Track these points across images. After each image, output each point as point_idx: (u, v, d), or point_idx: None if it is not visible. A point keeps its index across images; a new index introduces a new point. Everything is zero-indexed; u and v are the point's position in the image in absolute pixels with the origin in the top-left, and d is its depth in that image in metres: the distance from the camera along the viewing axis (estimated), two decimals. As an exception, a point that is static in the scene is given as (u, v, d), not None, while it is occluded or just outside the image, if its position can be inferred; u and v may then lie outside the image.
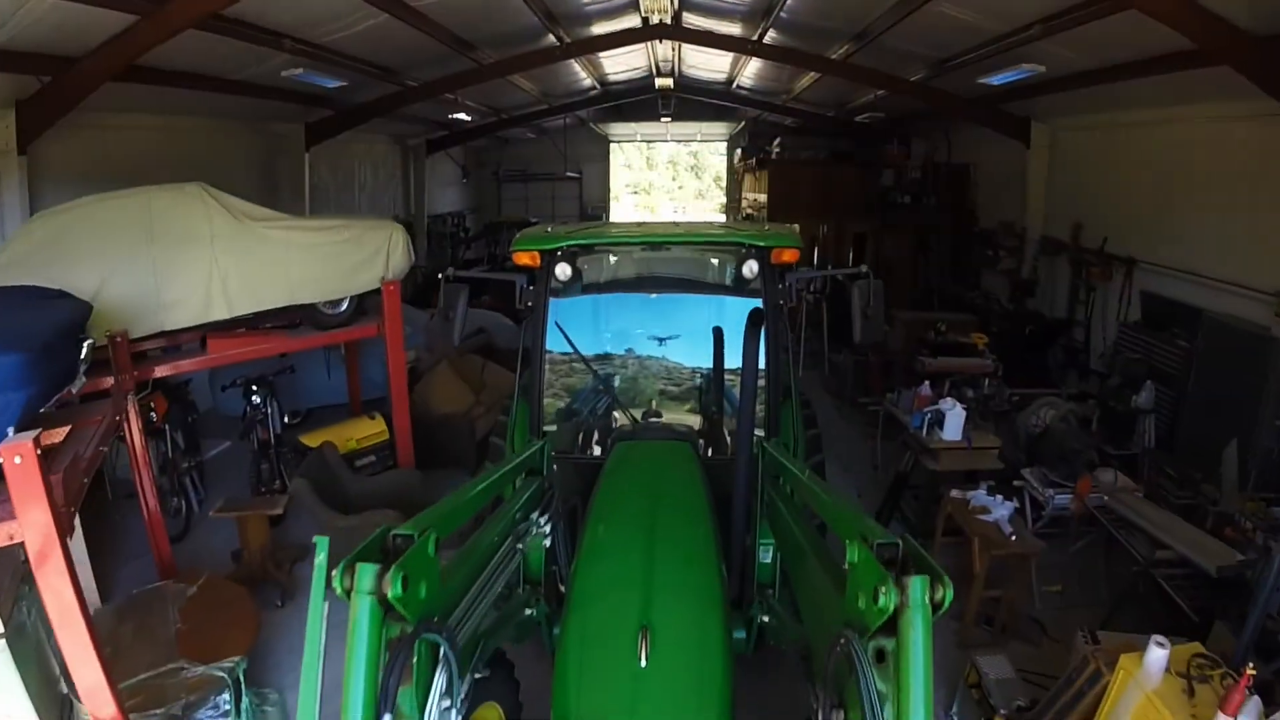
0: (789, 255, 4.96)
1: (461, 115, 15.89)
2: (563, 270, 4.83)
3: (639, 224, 6.72)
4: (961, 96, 11.12)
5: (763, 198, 17.50)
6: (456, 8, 8.97)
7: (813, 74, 12.96)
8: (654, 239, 5.22)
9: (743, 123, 20.95)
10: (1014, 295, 12.32)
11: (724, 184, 26.79)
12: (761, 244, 4.91)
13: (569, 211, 24.78)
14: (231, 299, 5.87)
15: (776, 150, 17.30)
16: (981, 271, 14.34)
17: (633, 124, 22.58)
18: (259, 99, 10.31)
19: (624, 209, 28.81)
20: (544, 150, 23.75)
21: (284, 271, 5.92)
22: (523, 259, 4.95)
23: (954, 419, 5.54)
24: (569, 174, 23.71)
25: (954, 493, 5.19)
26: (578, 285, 5.04)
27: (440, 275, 4.99)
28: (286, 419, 8.86)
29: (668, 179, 39.48)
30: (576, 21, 11.35)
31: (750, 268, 4.87)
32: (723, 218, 24.89)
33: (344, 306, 6.25)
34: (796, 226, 5.86)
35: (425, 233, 19.06)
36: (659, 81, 16.84)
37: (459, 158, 21.66)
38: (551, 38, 11.23)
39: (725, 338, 4.85)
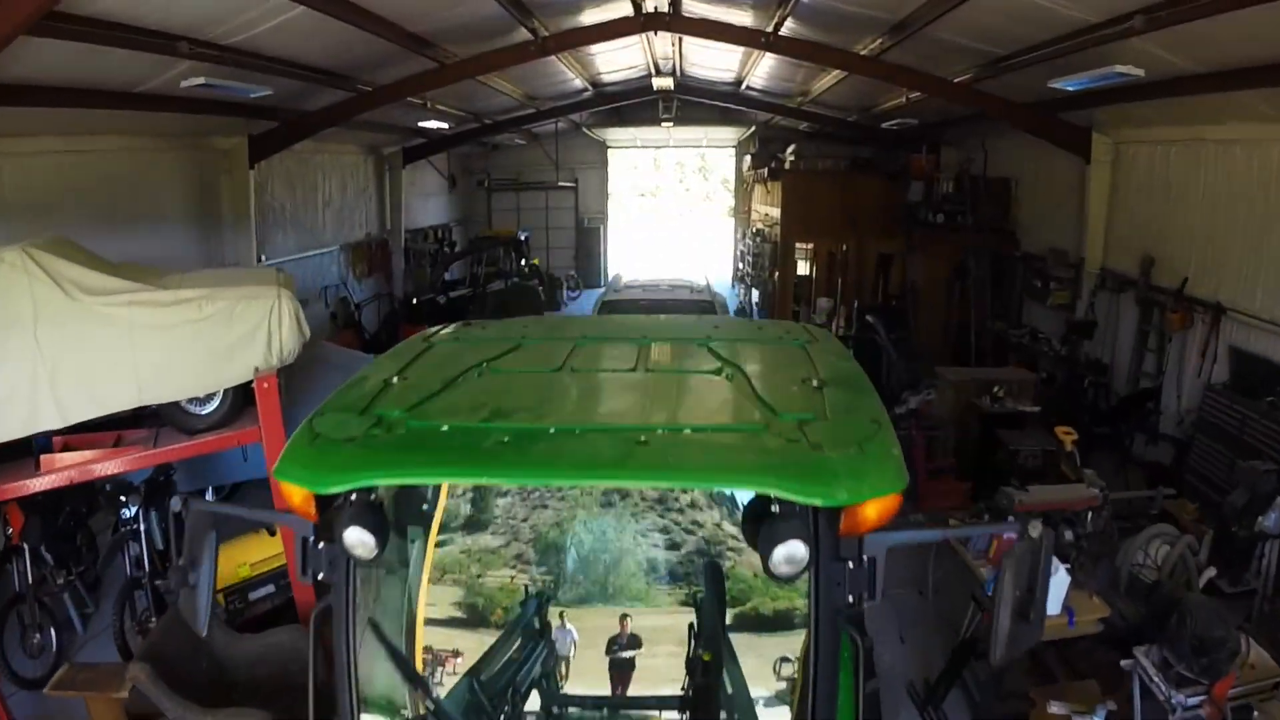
0: (878, 513, 2.29)
1: (435, 123, 14.42)
2: (358, 542, 2.30)
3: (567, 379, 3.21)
4: (1015, 101, 9.58)
5: (775, 212, 15.98)
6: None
7: (837, 73, 11.40)
8: (569, 476, 2.53)
9: (752, 127, 19.43)
10: (1068, 337, 10.76)
11: (731, 186, 25.29)
12: (818, 498, 2.15)
13: (564, 223, 23.34)
14: (63, 403, 4.42)
15: (790, 159, 15.77)
16: (1025, 302, 12.78)
17: (631, 128, 21.17)
18: (187, 113, 8.93)
19: (629, 215, 27.35)
20: (536, 157, 22.36)
21: (130, 362, 4.45)
22: (293, 498, 2.48)
23: (1055, 587, 3.96)
24: (562, 184, 22.23)
25: (1053, 709, 3.60)
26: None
27: (176, 502, 2.58)
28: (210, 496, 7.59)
29: (675, 180, 38.00)
30: (554, 11, 9.84)
31: (790, 557, 2.16)
32: (724, 234, 23.43)
33: (214, 405, 4.78)
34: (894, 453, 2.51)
35: (403, 250, 17.62)
36: (657, 82, 15.32)
37: (443, 167, 20.22)
38: (524, 31, 9.73)
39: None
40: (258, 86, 8.00)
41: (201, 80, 6.91)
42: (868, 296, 15.29)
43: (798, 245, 15.31)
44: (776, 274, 15.71)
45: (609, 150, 22.83)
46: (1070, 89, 7.58)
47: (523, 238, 19.72)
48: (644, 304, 9.43)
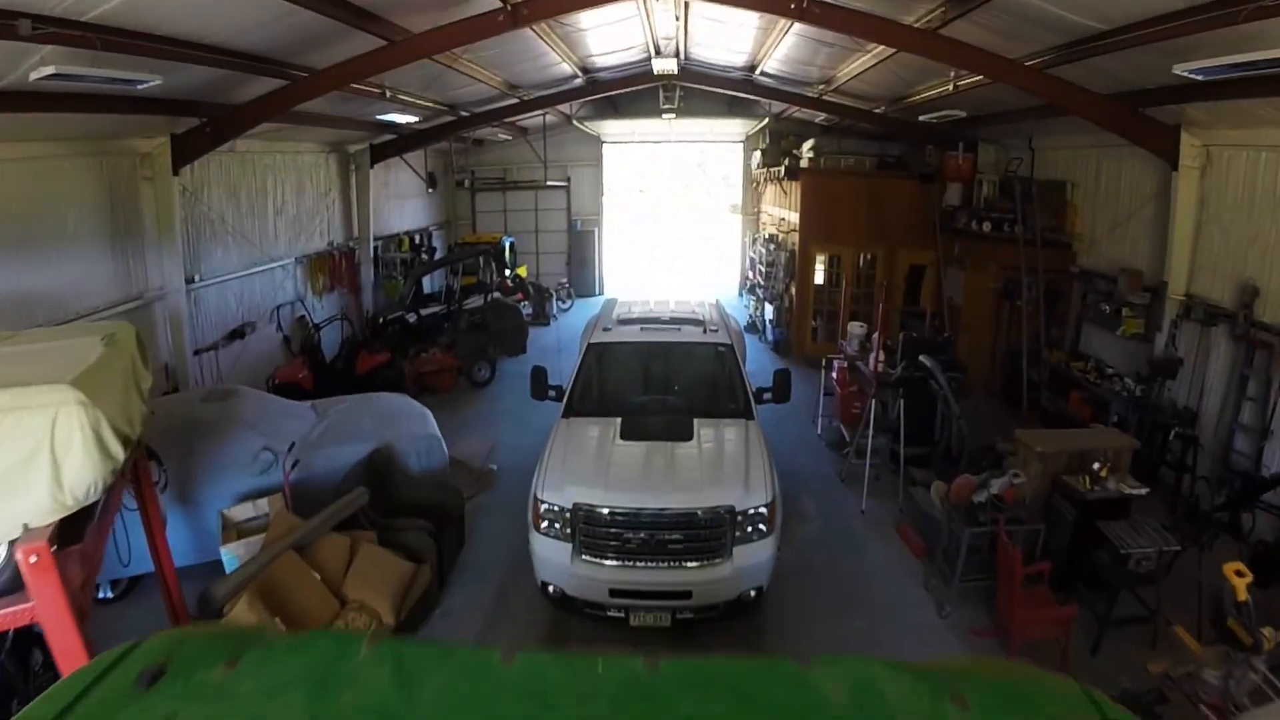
0: None
1: (401, 116, 12.87)
2: None
3: None
4: (1095, 92, 8.04)
5: (792, 216, 14.46)
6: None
7: (870, 55, 9.82)
8: None
9: (764, 120, 17.80)
10: (1146, 376, 9.26)
11: (732, 183, 23.73)
12: None
13: (555, 226, 21.82)
14: None
15: (809, 156, 14.22)
16: (1084, 328, 11.27)
17: (629, 121, 19.54)
18: (87, 112, 7.50)
19: (625, 214, 25.80)
20: (525, 154, 20.89)
21: None
22: None
23: None
24: (551, 183, 20.68)
25: None
26: None
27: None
28: (107, 594, 6.50)
29: (672, 177, 36.42)
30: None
31: None
32: (727, 234, 21.84)
33: (-16, 568, 3.26)
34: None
35: (372, 260, 16.13)
36: (658, 65, 13.64)
37: (420, 165, 18.69)
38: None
39: None
40: (145, 76, 6.47)
41: (51, 70, 5.37)
42: (897, 316, 13.83)
43: (818, 254, 13.81)
44: (793, 286, 14.20)
45: (604, 146, 21.27)
46: (1200, 78, 6.04)
47: (507, 244, 18.23)
48: (644, 349, 7.98)
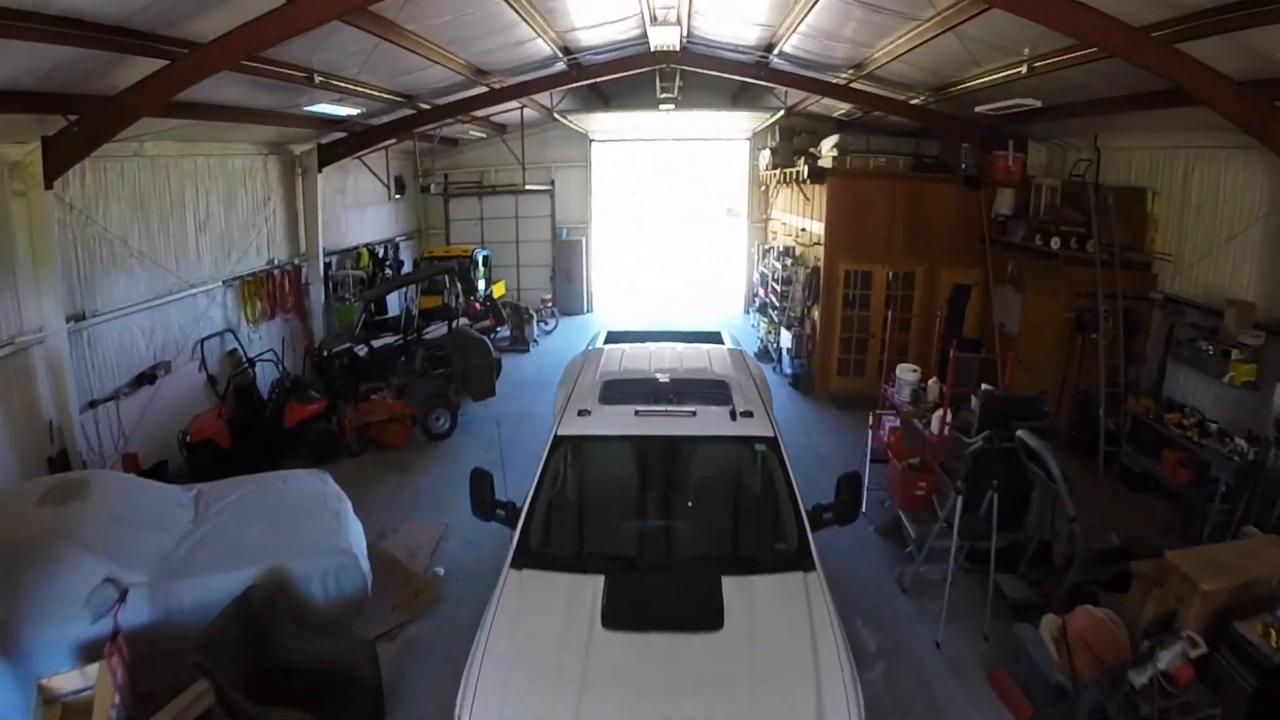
0: None
1: (335, 107, 11.10)
2: None
3: None
4: (1224, 75, 6.34)
5: (814, 226, 12.73)
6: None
7: (932, 22, 8.05)
8: None
9: (779, 112, 15.85)
10: (1271, 440, 7.57)
11: (731, 185, 22.04)
12: None
13: (537, 235, 20.09)
14: None
15: (832, 154, 12.49)
16: (1170, 370, 9.58)
17: (620, 115, 17.67)
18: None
19: (616, 217, 24.11)
20: (503, 154, 19.21)
21: None
22: None
23: None
24: (532, 187, 18.96)
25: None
26: None
27: None
28: None
29: (666, 178, 34.84)
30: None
31: None
32: (725, 238, 20.15)
33: None
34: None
35: (322, 279, 14.39)
36: (656, 37, 11.61)
37: (383, 168, 16.93)
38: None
39: None
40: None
41: None
42: (937, 345, 12.15)
43: (846, 270, 12.11)
44: (815, 310, 12.50)
45: (592, 145, 19.57)
46: None
47: (479, 257, 16.50)
48: (641, 447, 5.55)
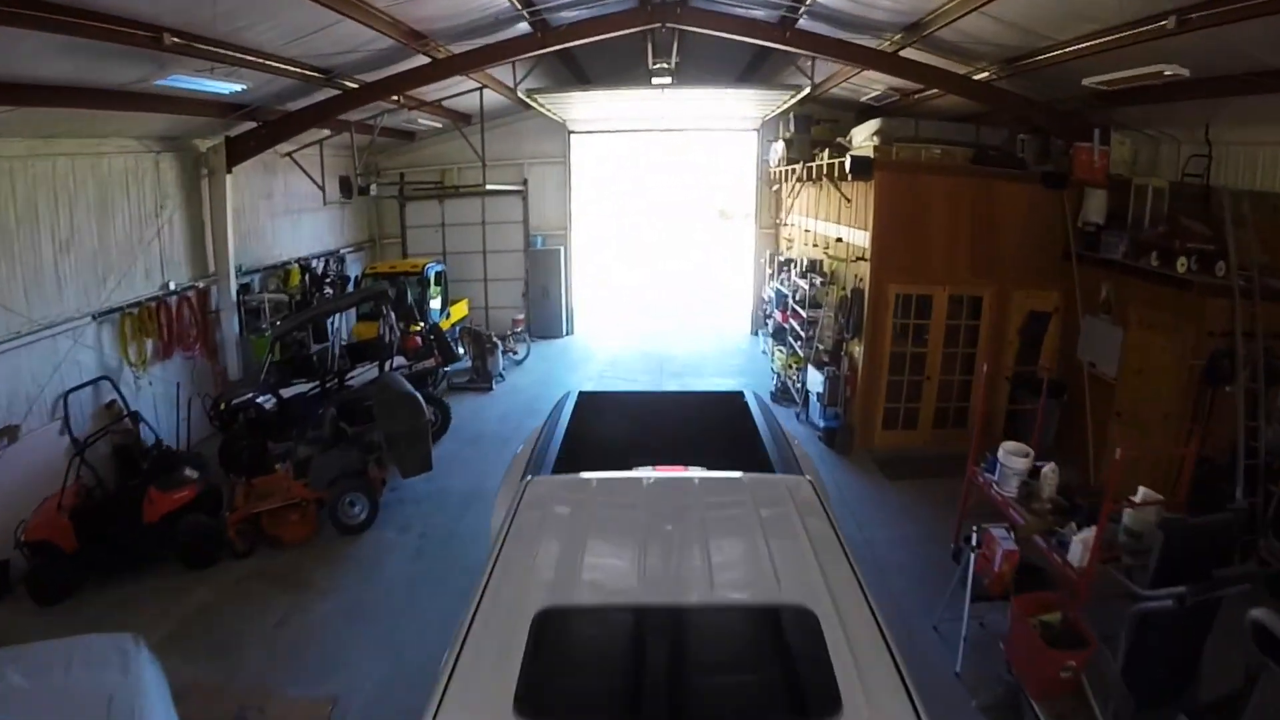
0: None
1: (209, 81, 8.57)
2: None
3: None
4: None
5: (855, 235, 10.38)
6: None
7: None
8: None
9: (801, 91, 12.37)
10: None
11: (724, 182, 19.71)
12: None
13: (507, 244, 17.70)
14: None
15: (872, 142, 10.14)
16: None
17: (602, 95, 14.46)
18: None
19: (597, 224, 21.83)
20: (469, 149, 16.81)
21: None
22: None
23: None
24: (499, 186, 16.59)
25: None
26: None
27: None
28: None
29: (651, 174, 32.67)
30: None
31: None
32: (720, 241, 17.80)
33: None
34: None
35: (235, 305, 11.97)
36: None
37: (320, 166, 14.45)
38: None
39: None
40: None
41: None
42: (1005, 386, 9.95)
43: (897, 294, 9.82)
44: (856, 345, 10.20)
45: (572, 137, 17.21)
46: None
47: (432, 273, 14.13)
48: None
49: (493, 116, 16.36)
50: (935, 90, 11.20)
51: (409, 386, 8.51)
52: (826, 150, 11.94)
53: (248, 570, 7.69)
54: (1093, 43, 7.15)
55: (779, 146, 14.71)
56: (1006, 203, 9.77)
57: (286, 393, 10.20)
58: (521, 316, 17.05)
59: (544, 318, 17.39)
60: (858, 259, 9.98)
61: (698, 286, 26.17)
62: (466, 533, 8.17)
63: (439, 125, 14.61)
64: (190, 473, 8.13)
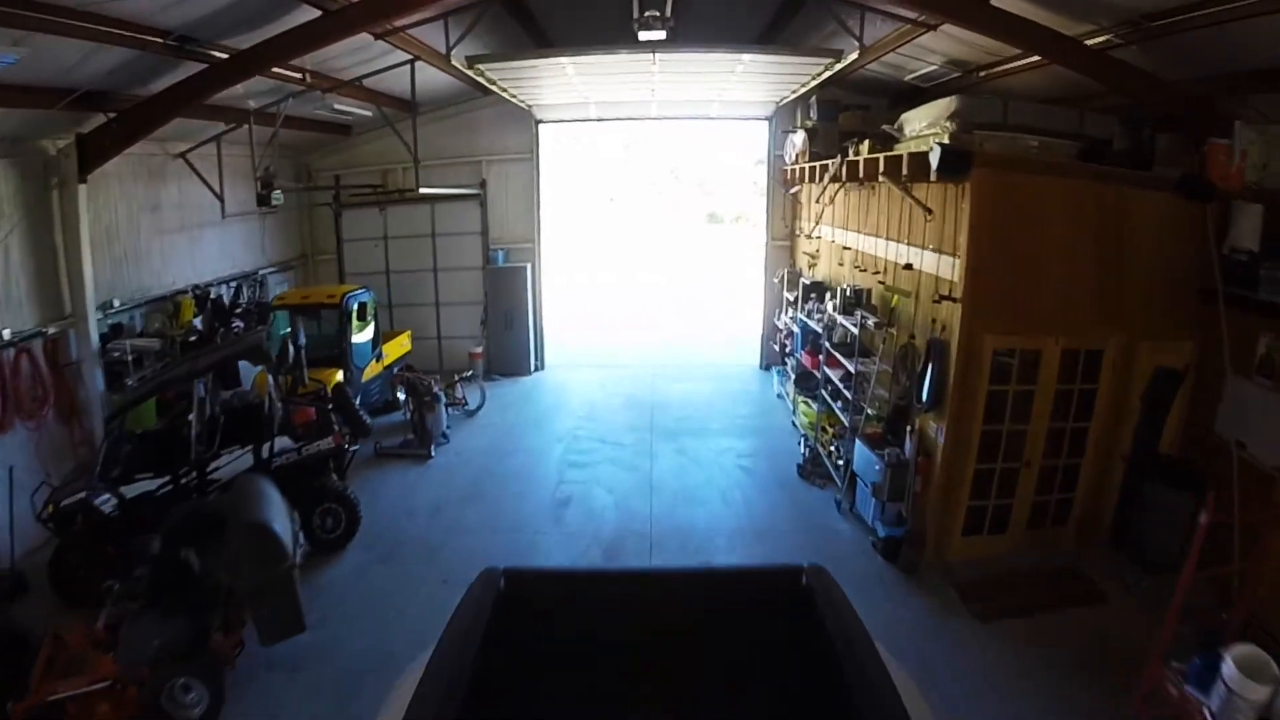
0: None
1: None
2: None
3: None
4: None
5: (939, 263, 7.59)
6: None
7: None
8: None
9: (846, 56, 9.24)
10: None
11: (711, 187, 17.01)
12: None
13: (462, 260, 14.95)
14: None
15: (947, 126, 7.28)
16: None
17: (572, 59, 9.93)
18: None
19: (566, 240, 19.18)
20: (420, 143, 14.13)
21: None
22: None
23: None
24: (449, 190, 13.87)
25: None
26: None
27: None
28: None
29: (619, 166, 30.26)
30: None
31: None
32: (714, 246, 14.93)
33: None
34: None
35: (96, 353, 9.27)
36: None
37: (218, 169, 11.62)
38: None
39: None
40: None
41: None
42: (1118, 468, 7.39)
43: (995, 346, 7.11)
44: (934, 421, 7.44)
45: (540, 128, 14.46)
46: None
47: (355, 305, 11.33)
48: None
49: (438, 101, 13.70)
50: (1012, 64, 8.69)
51: (268, 506, 5.77)
52: (865, 142, 9.27)
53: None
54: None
55: (798, 139, 12.02)
56: (1136, 219, 7.13)
57: (131, 490, 7.45)
58: (480, 350, 14.31)
59: (507, 351, 14.60)
60: (941, 298, 7.20)
61: (689, 304, 23.74)
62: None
63: (367, 113, 11.82)
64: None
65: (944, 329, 7.14)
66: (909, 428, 7.64)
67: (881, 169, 7.92)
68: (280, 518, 5.87)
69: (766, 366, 14.56)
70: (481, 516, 8.80)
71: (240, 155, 11.33)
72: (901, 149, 8.28)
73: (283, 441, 8.00)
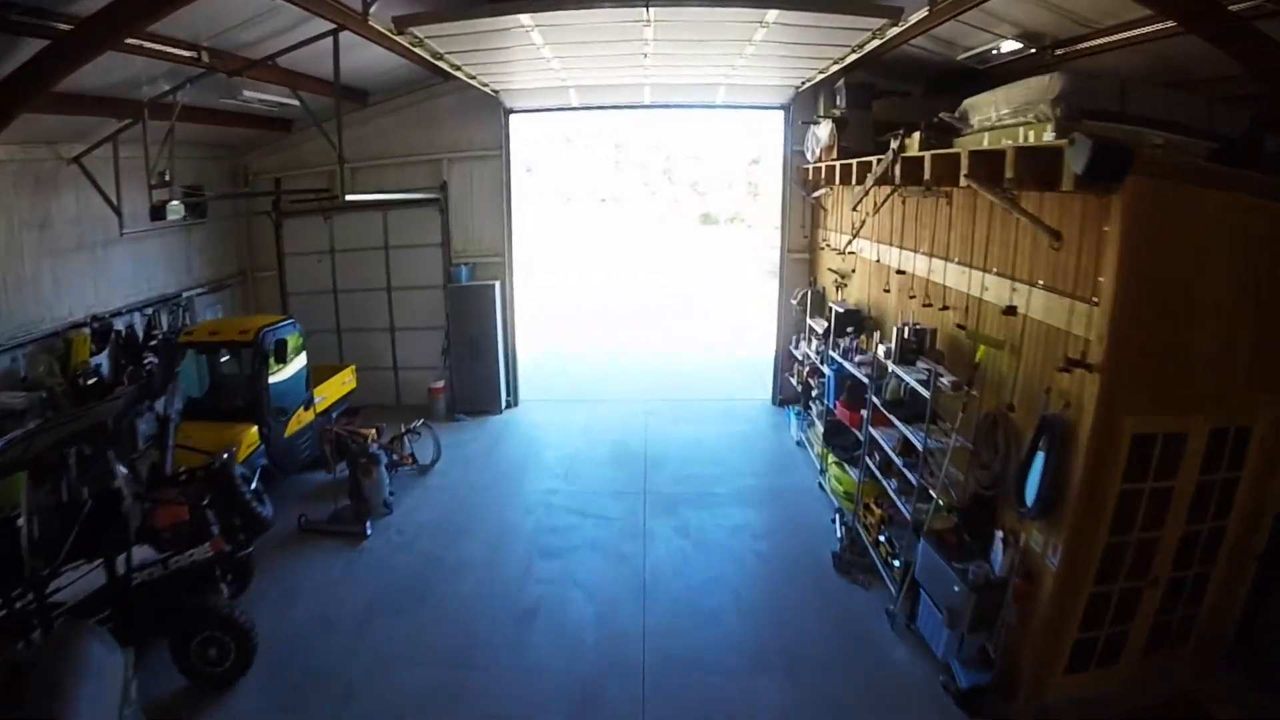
0: None
1: None
2: None
3: None
4: None
5: (1068, 313, 5.43)
6: None
7: None
8: None
9: (909, 17, 7.15)
10: None
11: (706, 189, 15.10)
12: None
13: (420, 278, 12.92)
14: None
15: (1046, 112, 5.15)
16: None
17: (532, 16, 7.40)
18: None
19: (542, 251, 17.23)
20: (372, 143, 12.18)
21: None
22: None
23: None
24: (398, 195, 11.93)
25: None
26: None
27: None
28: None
29: (610, 166, 28.80)
30: None
31: None
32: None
33: None
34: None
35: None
36: None
37: (114, 177, 9.60)
38: None
39: None
40: None
41: None
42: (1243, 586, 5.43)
43: (1134, 428, 5.03)
44: (1041, 534, 5.37)
45: (510, 118, 12.43)
46: None
47: (271, 344, 9.24)
48: None
49: (388, 89, 11.91)
50: (1103, 38, 6.75)
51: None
52: (916, 135, 7.23)
53: None
54: None
55: (823, 131, 10.01)
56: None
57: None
58: (441, 384, 12.29)
59: (473, 385, 12.54)
60: (1071, 364, 5.03)
61: (688, 305, 21.94)
62: None
63: (290, 102, 9.79)
64: None
65: (1068, 404, 5.08)
66: (997, 531, 5.62)
67: (965, 169, 5.83)
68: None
69: (781, 403, 12.56)
70: (420, 635, 6.74)
71: (131, 157, 9.35)
72: (966, 143, 6.30)
73: (144, 552, 5.99)
